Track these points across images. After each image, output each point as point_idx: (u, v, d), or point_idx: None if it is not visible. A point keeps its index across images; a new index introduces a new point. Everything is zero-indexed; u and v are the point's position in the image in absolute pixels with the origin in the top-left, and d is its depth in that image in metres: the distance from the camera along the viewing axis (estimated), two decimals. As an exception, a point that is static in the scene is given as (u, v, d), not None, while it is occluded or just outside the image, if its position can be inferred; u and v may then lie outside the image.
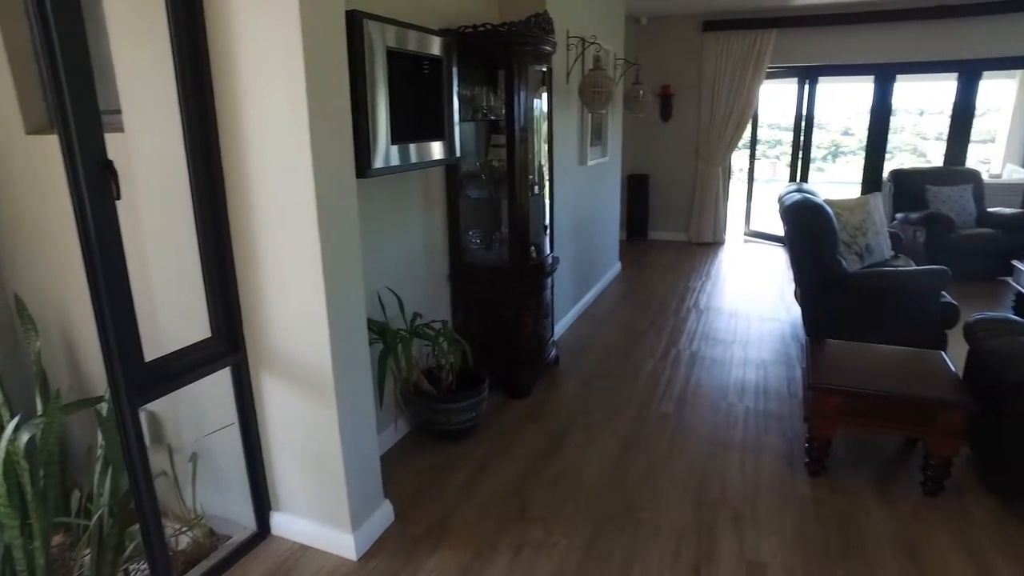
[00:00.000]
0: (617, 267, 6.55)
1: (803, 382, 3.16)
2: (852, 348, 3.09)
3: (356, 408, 2.26)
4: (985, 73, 6.77)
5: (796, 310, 5.17)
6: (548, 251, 3.81)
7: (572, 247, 4.81)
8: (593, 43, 4.35)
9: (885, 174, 6.96)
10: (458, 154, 3.07)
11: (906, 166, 6.90)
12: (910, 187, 6.27)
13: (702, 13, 7.13)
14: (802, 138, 7.48)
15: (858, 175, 7.61)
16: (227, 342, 2.17)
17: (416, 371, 2.99)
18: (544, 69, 3.53)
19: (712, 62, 7.23)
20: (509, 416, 3.41)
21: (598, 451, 3.07)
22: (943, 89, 11.47)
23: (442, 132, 2.94)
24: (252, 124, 1.96)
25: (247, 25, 1.87)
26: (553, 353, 3.99)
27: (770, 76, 7.23)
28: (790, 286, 5.84)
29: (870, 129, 7.23)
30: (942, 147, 7.11)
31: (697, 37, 7.30)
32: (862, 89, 11.44)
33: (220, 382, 2.22)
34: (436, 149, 2.91)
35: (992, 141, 10.71)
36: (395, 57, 2.51)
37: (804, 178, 7.62)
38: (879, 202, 4.70)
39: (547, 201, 3.82)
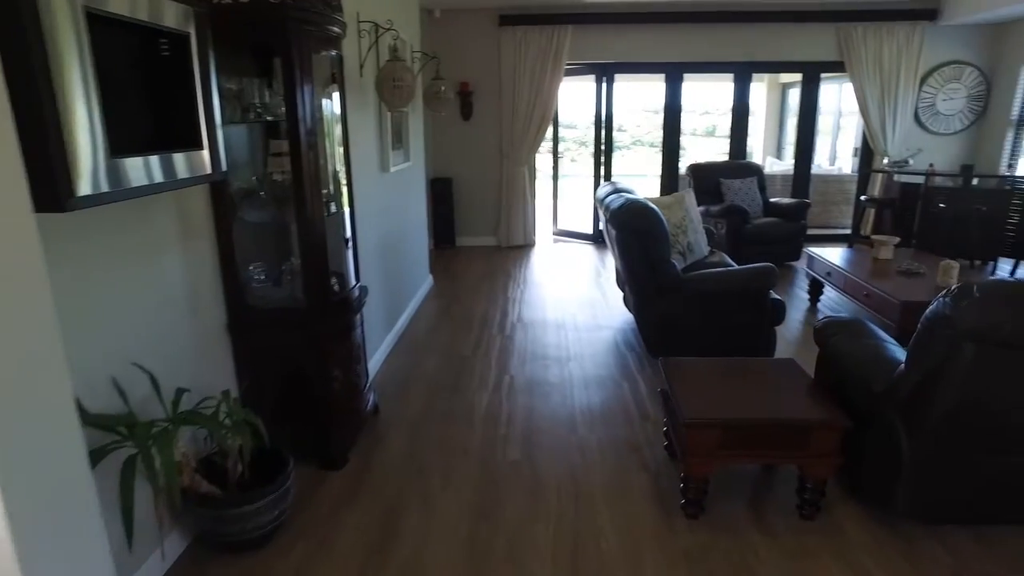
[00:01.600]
0: (429, 281, 5.98)
1: (667, 415, 2.83)
2: (707, 366, 2.83)
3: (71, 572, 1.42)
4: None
5: (623, 313, 5.01)
6: (354, 281, 3.12)
7: (380, 268, 4.14)
8: (389, 29, 3.71)
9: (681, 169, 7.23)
10: (225, 167, 2.26)
11: (699, 160, 7.22)
12: (707, 181, 6.50)
13: (497, 7, 6.81)
14: (603, 135, 7.50)
15: (635, 167, 7.86)
16: None
17: (188, 470, 2.15)
18: (334, 54, 2.83)
19: (511, 58, 6.95)
20: (325, 497, 2.67)
21: (443, 530, 2.47)
22: (704, 89, 12.63)
23: (198, 139, 2.12)
24: None
25: None
26: (371, 402, 3.31)
27: (569, 73, 7.13)
28: (612, 288, 5.71)
29: (665, 125, 7.45)
30: (698, 141, 7.57)
31: (494, 32, 6.97)
32: (633, 88, 12.13)
33: None
34: (190, 162, 2.09)
35: (751, 136, 11.96)
36: (106, 27, 1.67)
37: (608, 175, 7.67)
38: (692, 198, 4.67)
39: (347, 219, 3.13)
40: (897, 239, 4.73)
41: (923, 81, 7.18)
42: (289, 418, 2.77)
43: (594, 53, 7.05)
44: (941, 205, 6.26)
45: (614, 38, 7.00)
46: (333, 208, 2.88)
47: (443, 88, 5.02)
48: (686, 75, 7.18)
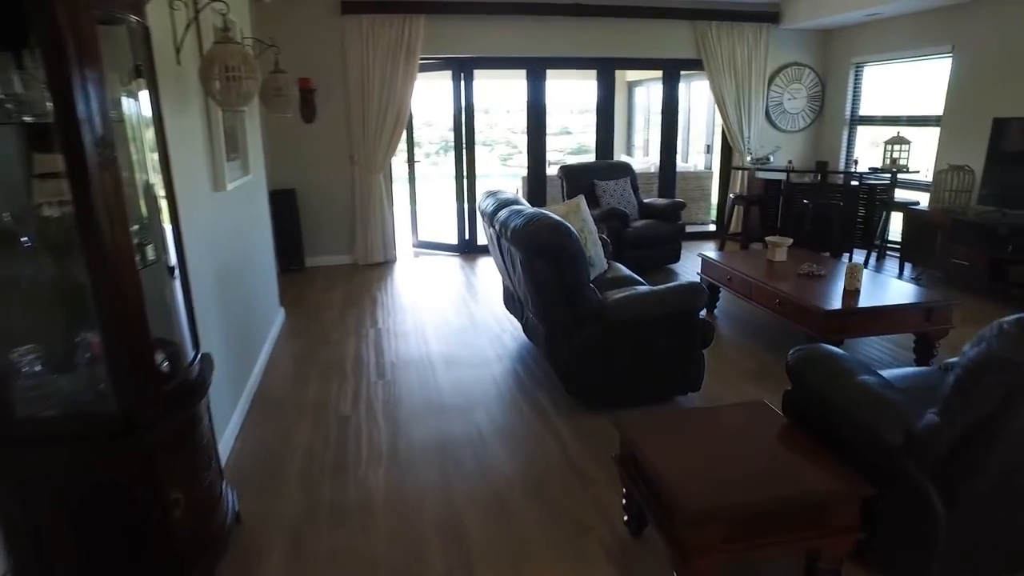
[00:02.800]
0: (281, 316, 4.98)
1: (632, 487, 2.23)
2: (674, 423, 2.29)
3: None
4: (585, 72, 6.98)
5: (516, 338, 4.41)
6: (192, 351, 2.19)
7: (221, 312, 3.17)
8: (214, 0, 2.76)
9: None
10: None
11: (565, 162, 6.82)
12: (581, 183, 6.09)
13: (338, -8, 5.92)
14: (463, 135, 6.84)
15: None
16: None
17: None
18: (134, 22, 1.89)
19: (358, 51, 6.08)
20: None
21: None
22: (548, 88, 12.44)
23: None
24: None
25: None
26: (230, 509, 2.38)
27: (424, 69, 6.39)
28: (496, 308, 5.08)
29: (529, 124, 6.96)
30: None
31: (335, 21, 6.05)
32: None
33: None
34: None
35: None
36: None
37: (472, 177, 7.04)
38: (585, 205, 4.16)
39: (175, 262, 2.20)
40: (790, 240, 4.58)
41: (771, 81, 7.36)
42: (102, 576, 1.83)
43: (451, 46, 6.40)
44: (805, 201, 6.37)
45: (472, 31, 6.39)
46: (151, 254, 1.95)
47: (286, 83, 4.07)
48: (548, 71, 6.74)
